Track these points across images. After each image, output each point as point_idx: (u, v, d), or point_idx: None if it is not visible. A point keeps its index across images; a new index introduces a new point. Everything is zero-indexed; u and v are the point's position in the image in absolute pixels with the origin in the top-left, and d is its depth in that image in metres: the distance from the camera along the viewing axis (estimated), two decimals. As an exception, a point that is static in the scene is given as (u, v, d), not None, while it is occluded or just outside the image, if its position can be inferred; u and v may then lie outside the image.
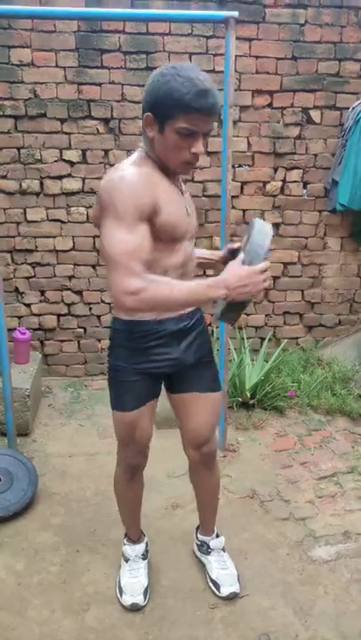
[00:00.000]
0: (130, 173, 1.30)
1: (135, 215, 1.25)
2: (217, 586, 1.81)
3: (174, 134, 1.33)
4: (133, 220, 1.25)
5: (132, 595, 1.76)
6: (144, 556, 1.87)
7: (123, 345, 1.55)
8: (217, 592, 1.81)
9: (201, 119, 1.31)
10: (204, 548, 1.92)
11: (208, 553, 1.90)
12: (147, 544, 1.92)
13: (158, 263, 1.40)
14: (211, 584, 1.84)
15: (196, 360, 1.62)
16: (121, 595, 1.78)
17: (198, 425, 1.67)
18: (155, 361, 1.55)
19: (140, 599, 1.75)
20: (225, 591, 1.79)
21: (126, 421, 1.59)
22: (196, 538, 1.96)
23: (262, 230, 1.33)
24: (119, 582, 1.82)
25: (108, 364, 1.62)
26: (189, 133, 1.33)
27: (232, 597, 1.79)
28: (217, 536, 1.93)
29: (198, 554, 1.96)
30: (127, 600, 1.75)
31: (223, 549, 1.92)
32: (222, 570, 1.84)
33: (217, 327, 2.91)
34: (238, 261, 1.31)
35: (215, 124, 3.05)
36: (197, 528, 1.98)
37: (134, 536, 1.89)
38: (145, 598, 1.77)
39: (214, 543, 1.91)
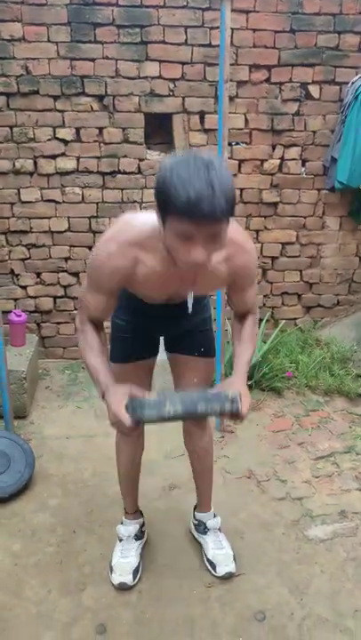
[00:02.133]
0: (104, 252, 1.37)
1: (93, 285, 1.44)
2: (213, 565, 1.82)
3: (171, 234, 1.19)
4: (93, 286, 1.44)
5: (121, 574, 1.78)
6: (137, 537, 1.88)
7: (122, 305, 1.63)
8: (213, 572, 1.82)
9: (195, 227, 1.14)
10: (201, 528, 1.93)
11: (205, 532, 1.91)
12: (142, 525, 1.93)
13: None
14: (207, 564, 1.85)
15: (191, 327, 1.68)
16: (111, 573, 1.80)
17: (188, 385, 1.73)
18: (147, 323, 1.64)
19: (128, 579, 1.77)
20: (221, 571, 1.80)
21: (120, 373, 1.66)
22: (194, 517, 1.97)
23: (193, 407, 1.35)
24: (111, 561, 1.84)
25: (110, 321, 1.71)
26: (185, 239, 1.17)
27: (228, 577, 1.80)
28: (214, 516, 1.94)
29: (195, 534, 1.96)
30: (116, 579, 1.77)
31: (219, 529, 1.92)
32: (218, 550, 1.85)
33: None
34: (136, 390, 1.38)
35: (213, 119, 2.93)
36: (195, 508, 1.98)
37: (130, 508, 1.91)
38: (134, 578, 1.78)
39: (211, 523, 1.91)
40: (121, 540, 1.87)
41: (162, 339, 1.76)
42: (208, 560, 1.85)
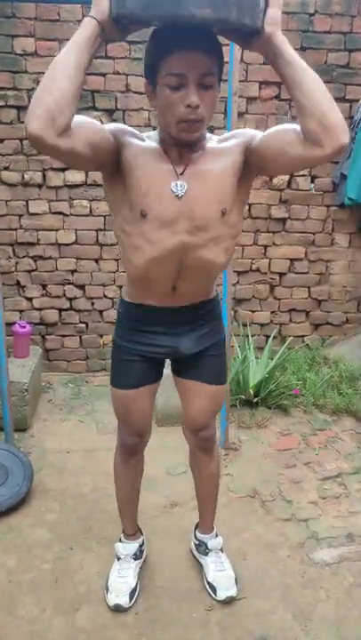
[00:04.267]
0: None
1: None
2: (213, 589, 1.75)
3: (164, 89, 1.22)
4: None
5: (117, 595, 1.70)
6: (136, 556, 1.81)
7: (124, 325, 1.58)
8: (213, 595, 1.74)
9: (183, 58, 1.16)
10: (202, 548, 1.85)
11: (206, 553, 1.84)
12: (141, 544, 1.86)
13: (136, 253, 1.39)
14: (207, 586, 1.77)
15: (202, 350, 1.57)
16: (107, 594, 1.73)
17: (196, 412, 1.65)
18: (152, 345, 1.54)
19: (124, 600, 1.69)
20: (221, 595, 1.72)
21: (121, 399, 1.61)
22: (195, 537, 1.90)
23: None
24: (107, 580, 1.77)
25: (112, 341, 1.65)
26: (177, 84, 1.20)
27: (229, 601, 1.72)
28: (216, 536, 1.87)
29: (196, 554, 1.89)
30: (111, 600, 1.70)
31: (221, 550, 1.85)
32: (219, 572, 1.78)
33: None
34: None
35: (220, 109, 2.93)
36: (196, 527, 1.91)
37: (129, 530, 1.84)
38: (130, 600, 1.71)
39: (212, 543, 1.84)
40: (119, 559, 1.80)
41: (168, 361, 1.65)
42: (209, 583, 1.77)
